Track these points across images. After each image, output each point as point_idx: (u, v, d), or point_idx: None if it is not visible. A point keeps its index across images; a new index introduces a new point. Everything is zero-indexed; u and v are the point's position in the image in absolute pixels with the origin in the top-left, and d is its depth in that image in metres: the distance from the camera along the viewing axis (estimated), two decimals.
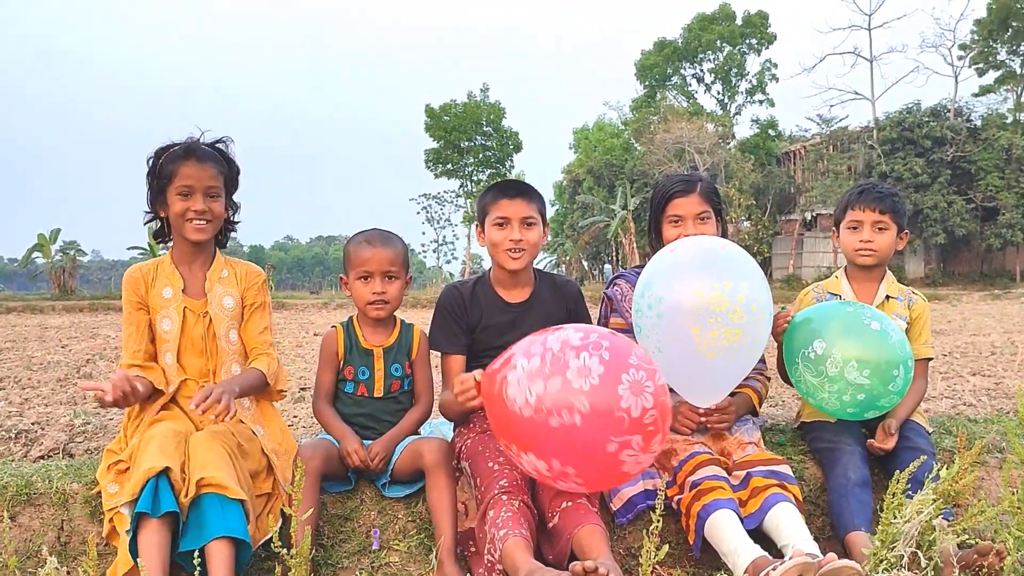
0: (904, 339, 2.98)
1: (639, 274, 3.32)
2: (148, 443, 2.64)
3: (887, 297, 3.41)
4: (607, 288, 3.42)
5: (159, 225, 3.05)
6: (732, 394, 3.14)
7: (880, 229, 3.32)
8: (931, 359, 3.47)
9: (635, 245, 37.91)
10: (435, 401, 3.36)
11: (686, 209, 3.22)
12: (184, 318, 2.96)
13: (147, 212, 3.03)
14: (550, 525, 2.76)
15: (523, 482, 2.81)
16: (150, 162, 2.97)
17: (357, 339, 3.22)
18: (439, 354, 3.28)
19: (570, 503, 2.72)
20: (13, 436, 4.43)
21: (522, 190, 3.15)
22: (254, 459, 2.89)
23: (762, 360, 3.33)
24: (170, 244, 3.08)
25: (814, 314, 3.10)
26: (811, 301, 3.46)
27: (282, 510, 2.77)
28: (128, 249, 33.24)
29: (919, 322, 3.42)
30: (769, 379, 3.45)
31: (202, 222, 2.94)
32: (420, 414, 3.25)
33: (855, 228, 3.36)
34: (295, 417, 5.23)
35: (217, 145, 3.03)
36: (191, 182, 2.90)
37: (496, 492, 2.72)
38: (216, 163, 2.97)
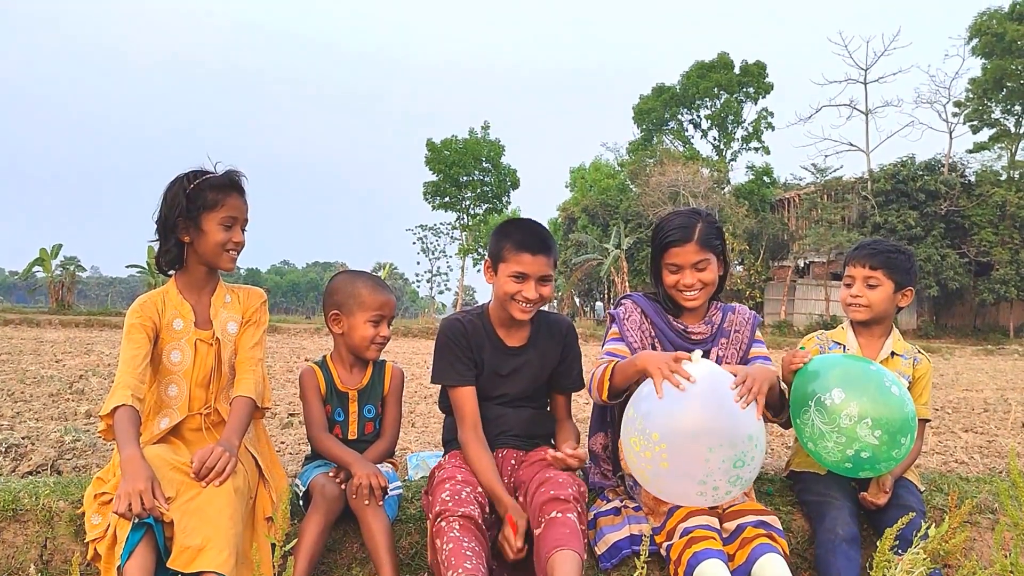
0: (915, 410, 2.97)
1: (646, 298, 3.29)
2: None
3: (892, 354, 3.40)
4: (614, 308, 3.35)
5: (174, 251, 2.96)
6: None
7: (871, 285, 3.32)
8: (928, 420, 3.47)
9: (627, 284, 37.97)
10: (398, 437, 3.39)
11: (683, 259, 3.11)
12: (196, 350, 2.95)
13: (164, 235, 2.94)
14: (536, 532, 2.70)
15: (471, 497, 2.78)
16: (180, 185, 2.91)
17: (333, 381, 3.25)
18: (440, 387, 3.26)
19: (559, 514, 2.68)
20: (3, 451, 4.40)
21: (544, 244, 3.06)
22: (261, 502, 2.89)
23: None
24: (171, 272, 3.04)
25: (836, 364, 3.07)
26: (815, 348, 3.45)
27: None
28: (127, 267, 33.50)
29: (921, 382, 3.41)
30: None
31: (236, 253, 2.98)
32: (384, 447, 3.25)
33: (849, 284, 3.39)
34: (283, 443, 5.21)
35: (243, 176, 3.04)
36: (236, 213, 2.94)
37: (436, 511, 2.70)
38: (246, 196, 3.03)
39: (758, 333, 3.36)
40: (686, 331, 3.23)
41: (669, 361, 2.75)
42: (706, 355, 3.17)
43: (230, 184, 2.94)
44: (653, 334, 3.22)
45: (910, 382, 3.37)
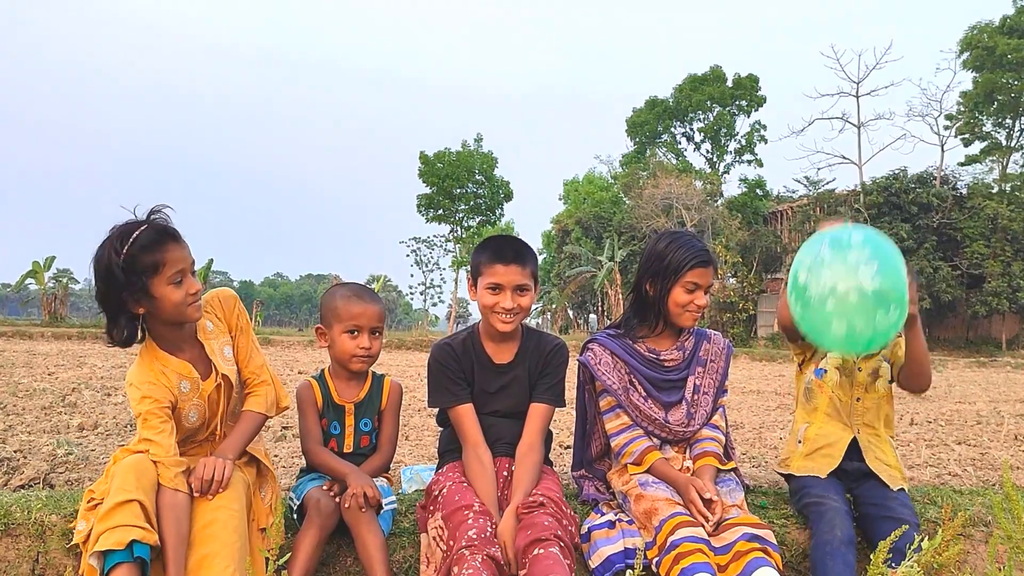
0: (887, 284, 2.74)
1: (611, 336, 3.40)
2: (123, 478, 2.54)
3: None
4: (580, 355, 3.42)
5: (131, 326, 2.71)
6: (693, 470, 3.20)
7: None
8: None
9: (621, 296, 38.00)
10: (395, 452, 3.40)
11: (704, 280, 3.26)
12: (208, 402, 2.86)
13: (112, 313, 2.67)
14: (522, 573, 2.70)
15: (492, 533, 2.77)
16: (108, 258, 2.58)
17: (330, 394, 3.25)
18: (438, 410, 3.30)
19: (542, 551, 2.67)
20: None
21: (517, 254, 3.10)
22: (256, 513, 2.87)
23: (716, 427, 3.36)
24: (136, 344, 2.78)
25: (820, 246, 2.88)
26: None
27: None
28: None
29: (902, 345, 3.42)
30: (721, 428, 3.41)
31: (199, 301, 2.75)
32: (380, 462, 3.26)
33: None
34: (276, 456, 5.19)
35: (167, 216, 2.74)
36: (182, 265, 2.67)
37: (463, 545, 2.68)
38: (182, 237, 2.74)
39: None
40: (659, 359, 3.35)
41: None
42: (683, 382, 3.36)
43: (161, 235, 2.64)
44: (627, 371, 3.32)
45: (891, 361, 3.48)
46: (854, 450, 3.38)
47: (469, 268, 3.25)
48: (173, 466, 2.60)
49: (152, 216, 2.68)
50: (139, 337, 2.76)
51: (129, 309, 2.65)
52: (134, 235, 2.59)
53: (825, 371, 3.50)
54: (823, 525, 3.06)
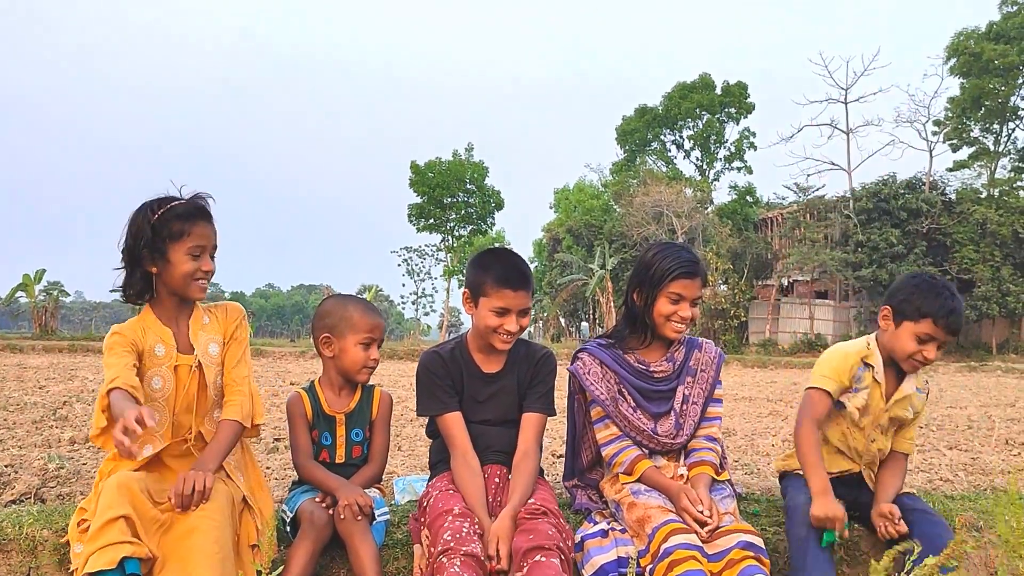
0: None
1: (600, 345, 3.40)
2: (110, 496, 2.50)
3: (916, 390, 3.34)
4: (571, 365, 3.43)
5: (141, 282, 2.91)
6: (687, 478, 3.19)
7: (939, 349, 3.21)
8: (909, 455, 3.45)
9: (612, 304, 38.04)
10: (387, 463, 3.41)
11: (689, 292, 3.23)
12: (177, 376, 2.89)
13: (130, 266, 2.89)
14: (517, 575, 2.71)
15: (472, 532, 2.77)
16: (144, 214, 2.84)
17: (320, 405, 3.27)
18: (429, 419, 3.30)
19: (543, 559, 2.68)
20: None
21: (525, 278, 3.12)
22: (246, 528, 2.85)
23: (713, 438, 3.34)
24: (139, 302, 2.97)
25: None
26: (845, 378, 3.26)
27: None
28: (111, 291, 33.23)
29: (920, 417, 3.43)
30: (719, 440, 3.39)
31: (205, 282, 2.91)
32: (372, 473, 3.27)
33: (926, 341, 3.16)
34: (268, 468, 5.17)
35: (207, 198, 2.98)
36: (204, 242, 2.86)
37: (440, 551, 2.69)
38: (214, 221, 2.94)
39: (721, 372, 3.46)
40: (648, 370, 3.33)
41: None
42: (672, 393, 3.33)
43: (197, 211, 2.87)
44: (616, 381, 3.32)
45: (915, 413, 3.35)
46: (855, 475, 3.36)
47: (466, 282, 3.24)
48: (120, 380, 2.61)
49: (195, 196, 2.93)
50: (148, 297, 2.93)
51: (145, 265, 2.85)
52: (171, 203, 2.85)
53: (844, 406, 3.28)
54: (796, 519, 3.07)
